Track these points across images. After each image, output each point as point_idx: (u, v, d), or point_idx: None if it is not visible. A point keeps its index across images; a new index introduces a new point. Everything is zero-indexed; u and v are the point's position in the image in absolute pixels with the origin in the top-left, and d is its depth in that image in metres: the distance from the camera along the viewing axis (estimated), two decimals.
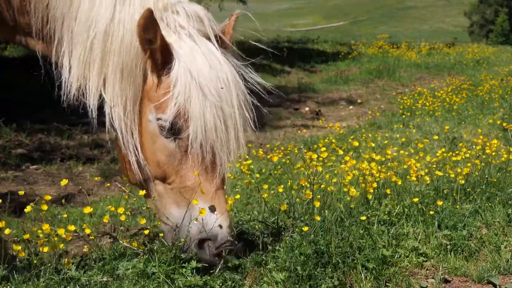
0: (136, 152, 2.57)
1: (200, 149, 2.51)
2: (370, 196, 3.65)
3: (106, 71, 2.51)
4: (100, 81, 2.53)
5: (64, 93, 2.57)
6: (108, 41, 2.49)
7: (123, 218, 2.89)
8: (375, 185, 3.67)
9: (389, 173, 4.12)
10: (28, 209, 2.66)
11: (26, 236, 2.69)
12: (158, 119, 2.53)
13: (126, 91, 2.51)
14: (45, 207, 2.68)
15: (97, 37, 2.49)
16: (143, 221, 3.01)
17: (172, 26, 2.56)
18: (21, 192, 2.70)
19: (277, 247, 2.89)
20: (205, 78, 2.49)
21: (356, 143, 6.67)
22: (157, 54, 2.48)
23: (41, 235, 2.68)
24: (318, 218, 3.15)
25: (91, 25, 2.49)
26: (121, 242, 2.88)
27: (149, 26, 2.39)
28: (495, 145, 4.74)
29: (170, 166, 2.56)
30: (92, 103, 2.55)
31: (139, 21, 2.38)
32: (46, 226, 2.61)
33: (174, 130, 2.51)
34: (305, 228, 2.94)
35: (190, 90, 2.47)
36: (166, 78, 2.51)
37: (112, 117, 2.55)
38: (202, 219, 2.52)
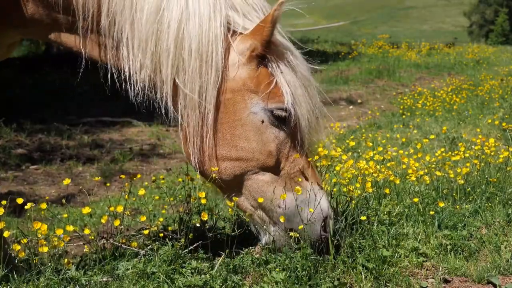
0: (203, 142, 2.56)
1: (305, 134, 2.65)
2: (370, 190, 3.64)
3: (181, 58, 2.49)
4: (174, 69, 2.50)
5: (131, 87, 2.53)
6: (182, 29, 2.46)
7: (117, 223, 2.86)
8: (369, 184, 3.64)
9: (386, 173, 4.12)
10: (28, 206, 2.66)
11: (24, 241, 2.68)
12: (271, 109, 2.56)
13: (206, 76, 2.49)
14: (44, 206, 2.67)
15: (171, 26, 2.45)
16: (143, 218, 3.00)
17: (248, 16, 2.60)
18: (20, 200, 2.68)
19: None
20: (297, 65, 2.63)
21: (353, 143, 6.65)
22: (265, 45, 2.51)
23: (40, 236, 2.67)
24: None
25: (162, 15, 2.45)
26: (119, 243, 2.87)
27: (279, 18, 2.48)
28: (493, 145, 4.73)
29: (281, 154, 2.62)
30: (165, 91, 2.51)
31: (276, 12, 2.44)
32: (44, 227, 2.60)
33: (286, 118, 2.58)
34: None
35: (293, 77, 2.59)
36: (262, 68, 2.57)
37: (184, 105, 2.53)
38: (319, 199, 2.67)
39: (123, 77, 2.55)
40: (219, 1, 2.50)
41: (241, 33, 2.56)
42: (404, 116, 10.72)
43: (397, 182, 3.97)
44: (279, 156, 2.62)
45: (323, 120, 2.78)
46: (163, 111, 2.56)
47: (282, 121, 2.59)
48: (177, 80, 2.51)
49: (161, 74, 2.51)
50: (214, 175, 2.60)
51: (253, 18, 2.58)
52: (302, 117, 2.61)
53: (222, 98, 2.54)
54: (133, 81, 2.52)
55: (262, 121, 2.57)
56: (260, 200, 2.64)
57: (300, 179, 2.65)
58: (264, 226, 2.72)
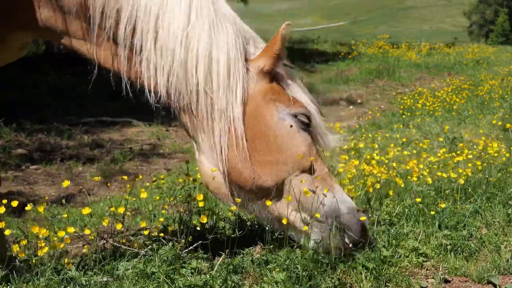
0: (232, 151, 2.62)
1: (319, 140, 2.84)
2: (371, 190, 3.65)
3: (209, 70, 2.56)
4: (201, 79, 2.55)
5: (154, 97, 2.56)
6: (211, 42, 2.54)
7: (119, 226, 2.87)
8: (378, 186, 3.66)
9: (388, 174, 4.13)
10: (29, 207, 2.65)
11: (24, 242, 2.68)
12: (295, 114, 2.72)
13: (233, 88, 2.59)
14: (44, 206, 2.66)
15: (201, 45, 2.52)
16: (144, 224, 3.01)
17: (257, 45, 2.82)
18: (14, 203, 2.67)
19: (278, 247, 2.89)
20: (301, 84, 2.89)
21: (353, 143, 6.66)
22: (275, 59, 2.70)
23: (40, 236, 2.67)
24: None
25: (191, 28, 2.51)
26: (119, 244, 2.87)
27: (287, 37, 2.68)
28: (496, 146, 4.74)
29: (310, 155, 2.76)
30: (189, 101, 2.58)
31: (284, 31, 2.65)
32: (43, 231, 2.60)
33: (307, 123, 2.76)
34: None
35: (301, 91, 2.83)
36: (274, 83, 2.75)
37: (211, 115, 2.61)
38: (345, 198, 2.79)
39: (143, 87, 2.58)
40: (237, 27, 2.66)
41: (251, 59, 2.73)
42: (404, 116, 10.72)
43: (397, 180, 3.97)
44: (309, 158, 2.74)
45: (327, 132, 2.94)
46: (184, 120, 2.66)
47: (305, 125, 2.75)
48: (207, 90, 2.57)
49: (186, 84, 2.56)
50: (250, 182, 2.65)
51: (258, 45, 2.79)
52: (317, 124, 2.80)
53: (248, 108, 2.65)
54: (153, 89, 2.56)
55: (291, 126, 2.71)
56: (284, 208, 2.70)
57: (331, 179, 2.81)
58: (304, 230, 2.76)
